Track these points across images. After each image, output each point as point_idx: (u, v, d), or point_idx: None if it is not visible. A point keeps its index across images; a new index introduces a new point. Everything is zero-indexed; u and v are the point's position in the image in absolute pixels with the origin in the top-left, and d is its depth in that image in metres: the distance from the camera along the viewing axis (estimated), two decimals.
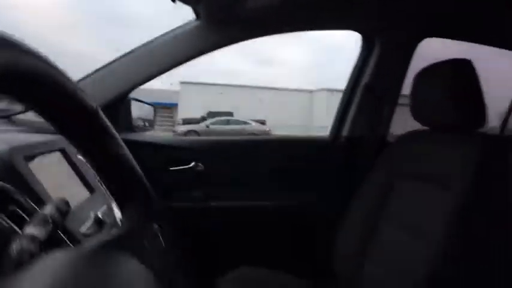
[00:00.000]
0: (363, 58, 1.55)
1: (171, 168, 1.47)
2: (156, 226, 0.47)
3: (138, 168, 0.43)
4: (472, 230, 0.97)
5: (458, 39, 1.47)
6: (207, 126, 16.11)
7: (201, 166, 1.50)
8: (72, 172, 0.98)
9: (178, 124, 17.19)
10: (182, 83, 23.20)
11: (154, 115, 1.75)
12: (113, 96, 1.34)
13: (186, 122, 17.33)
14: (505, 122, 1.92)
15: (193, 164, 1.50)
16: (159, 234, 0.47)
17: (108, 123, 0.39)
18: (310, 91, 22.67)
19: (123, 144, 0.41)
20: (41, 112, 0.34)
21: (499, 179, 0.97)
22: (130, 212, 0.42)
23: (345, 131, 1.59)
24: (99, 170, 0.40)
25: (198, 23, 1.36)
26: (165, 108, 19.61)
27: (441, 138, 1.15)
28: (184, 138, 1.81)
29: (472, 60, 1.11)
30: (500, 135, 1.93)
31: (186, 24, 1.37)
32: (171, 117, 20.26)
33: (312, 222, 1.57)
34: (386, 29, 1.48)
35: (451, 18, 1.42)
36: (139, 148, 1.02)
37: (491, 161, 0.99)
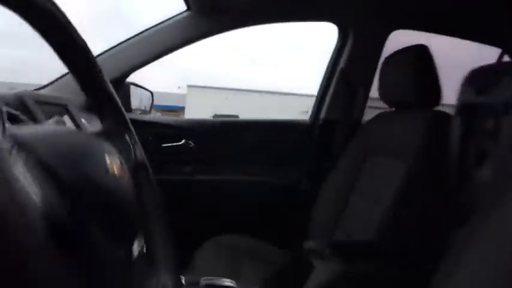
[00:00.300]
0: (339, 48, 1.70)
1: (163, 145, 1.64)
2: (128, 139, 0.62)
3: (110, 87, 0.58)
4: (418, 197, 1.11)
5: (424, 31, 1.62)
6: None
7: (191, 143, 1.67)
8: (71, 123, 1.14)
9: None
10: (190, 86, 23.51)
11: (152, 102, 1.91)
12: (112, 78, 1.51)
13: None
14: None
15: (183, 141, 1.66)
16: (132, 148, 0.62)
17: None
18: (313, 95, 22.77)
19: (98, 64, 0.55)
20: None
21: (441, 149, 1.11)
22: (107, 118, 0.57)
23: (323, 114, 1.75)
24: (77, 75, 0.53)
25: (189, 13, 1.53)
26: (172, 111, 19.86)
27: (403, 117, 1.30)
28: (175, 118, 1.97)
29: (435, 48, 1.27)
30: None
31: (178, 14, 1.53)
32: None
33: (293, 197, 1.71)
34: (359, 21, 1.64)
35: (417, 11, 1.58)
36: (134, 126, 1.17)
37: (434, 133, 1.14)
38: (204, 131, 1.70)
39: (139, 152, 0.65)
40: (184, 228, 1.50)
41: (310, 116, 1.80)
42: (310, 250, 0.96)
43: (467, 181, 0.95)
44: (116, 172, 0.50)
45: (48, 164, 0.38)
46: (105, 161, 0.49)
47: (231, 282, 0.93)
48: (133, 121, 0.68)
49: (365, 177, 1.38)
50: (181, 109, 21.59)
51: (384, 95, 1.36)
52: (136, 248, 0.51)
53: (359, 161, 1.40)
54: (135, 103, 1.75)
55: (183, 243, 1.44)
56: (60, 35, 0.47)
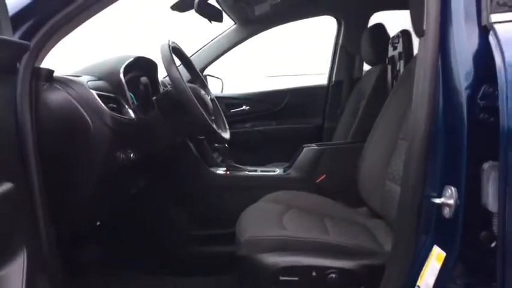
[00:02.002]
0: (337, 32, 2.51)
1: (231, 110, 2.59)
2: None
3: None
4: None
5: (398, 9, 2.35)
6: None
7: (248, 108, 2.60)
8: None
9: None
10: None
11: (222, 85, 2.89)
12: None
13: None
14: None
15: (243, 107, 2.60)
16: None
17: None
18: None
19: None
20: None
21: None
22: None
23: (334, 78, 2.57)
24: None
25: (235, 26, 2.44)
26: None
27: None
28: (238, 93, 2.89)
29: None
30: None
31: (230, 27, 2.46)
32: None
33: (318, 135, 2.55)
34: (348, 9, 2.42)
35: None
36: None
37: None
38: (255, 99, 2.61)
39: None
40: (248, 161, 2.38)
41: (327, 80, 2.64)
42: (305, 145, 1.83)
43: None
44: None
45: None
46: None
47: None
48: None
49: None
50: None
51: (364, 57, 2.10)
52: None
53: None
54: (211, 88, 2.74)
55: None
56: None
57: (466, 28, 0.81)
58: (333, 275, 1.04)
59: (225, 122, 1.58)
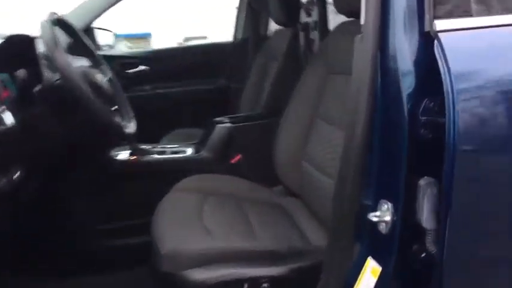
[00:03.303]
0: None
1: (126, 71, 2.29)
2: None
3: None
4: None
5: None
6: None
7: (147, 68, 2.32)
8: None
9: None
10: None
11: (114, 40, 2.53)
12: (81, 26, 2.10)
13: None
14: None
15: (141, 67, 2.31)
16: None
17: None
18: None
19: None
20: None
21: None
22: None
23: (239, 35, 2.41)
24: None
25: None
26: (139, 39, 19.59)
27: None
28: (133, 51, 2.58)
29: None
30: None
31: None
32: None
33: (224, 95, 2.42)
34: None
35: None
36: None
37: None
38: (154, 58, 2.34)
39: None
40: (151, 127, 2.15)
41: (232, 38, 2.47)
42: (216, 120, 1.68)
43: None
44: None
45: None
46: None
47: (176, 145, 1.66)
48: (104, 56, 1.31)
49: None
50: (148, 36, 21.21)
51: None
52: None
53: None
54: (102, 41, 2.38)
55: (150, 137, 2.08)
56: None
57: (408, 33, 0.74)
58: (266, 284, 0.99)
59: (130, 109, 1.35)
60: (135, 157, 1.46)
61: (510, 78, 0.73)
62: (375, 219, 0.79)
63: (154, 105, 2.32)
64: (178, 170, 1.50)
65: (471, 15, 0.74)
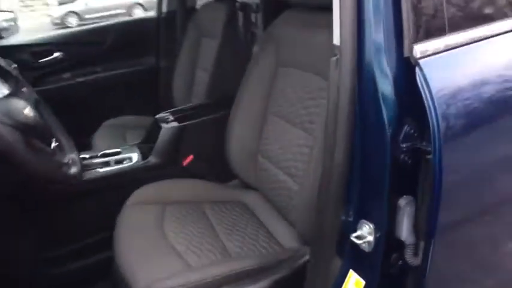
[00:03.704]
0: None
1: (40, 61, 2.01)
2: None
3: None
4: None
5: None
6: (86, 4, 14.83)
7: (63, 54, 2.05)
8: None
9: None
10: None
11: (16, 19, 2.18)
12: None
13: (62, 2, 15.69)
14: None
15: (56, 54, 2.04)
16: None
17: None
18: None
19: None
20: None
21: None
22: None
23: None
24: None
25: None
26: None
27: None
28: (44, 36, 2.24)
29: None
30: None
31: None
32: None
33: (152, 76, 2.24)
34: None
35: None
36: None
37: None
38: (70, 42, 2.07)
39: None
40: (78, 120, 1.95)
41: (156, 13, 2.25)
42: (160, 118, 1.56)
43: None
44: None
45: None
46: None
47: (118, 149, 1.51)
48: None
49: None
50: None
51: None
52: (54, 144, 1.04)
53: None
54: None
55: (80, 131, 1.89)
56: None
57: (387, 57, 0.71)
58: None
59: (65, 133, 1.17)
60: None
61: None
62: (357, 241, 0.80)
63: (76, 96, 2.09)
64: (127, 181, 1.39)
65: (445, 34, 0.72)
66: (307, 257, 1.07)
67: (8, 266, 1.27)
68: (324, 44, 1.05)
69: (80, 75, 2.11)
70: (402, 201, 0.78)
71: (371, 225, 0.80)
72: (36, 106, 1.05)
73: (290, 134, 1.22)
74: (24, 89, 1.07)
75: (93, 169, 1.34)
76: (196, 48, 2.02)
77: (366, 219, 0.80)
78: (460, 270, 0.87)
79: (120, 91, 2.16)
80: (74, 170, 1.02)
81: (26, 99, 1.01)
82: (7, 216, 1.21)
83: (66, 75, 2.09)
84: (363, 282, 0.86)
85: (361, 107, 0.74)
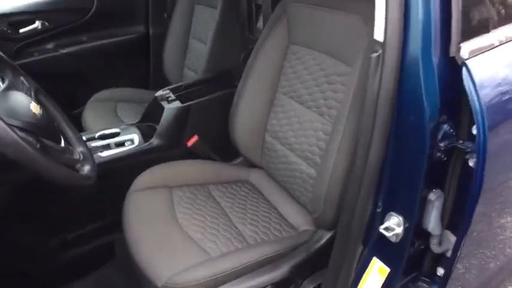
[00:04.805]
0: None
1: (21, 31, 1.86)
2: None
3: None
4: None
5: None
6: None
7: (46, 23, 1.90)
8: None
9: None
10: None
11: None
12: None
13: None
14: None
15: (38, 23, 1.89)
16: None
17: None
18: None
19: None
20: None
21: None
22: None
23: None
24: None
25: None
26: None
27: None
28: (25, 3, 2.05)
29: None
30: None
31: None
32: None
33: (145, 47, 2.13)
34: None
35: None
36: None
37: None
38: (52, 9, 1.92)
39: None
40: (64, 94, 1.82)
41: None
42: (160, 96, 1.49)
43: None
44: None
45: None
46: None
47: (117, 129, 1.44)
48: None
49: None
50: None
51: None
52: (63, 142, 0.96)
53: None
54: None
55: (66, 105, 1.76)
56: None
57: (432, 56, 0.68)
58: None
59: (73, 126, 1.08)
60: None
61: None
62: (386, 232, 0.81)
63: (61, 69, 1.97)
64: (130, 164, 1.34)
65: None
66: (323, 241, 1.09)
67: (14, 255, 1.24)
68: (341, 27, 1.07)
69: (64, 45, 1.98)
70: (432, 196, 0.79)
71: (400, 218, 0.80)
72: (37, 97, 0.96)
73: (304, 116, 1.19)
74: (21, 78, 0.96)
75: (94, 153, 1.28)
76: (190, 15, 1.92)
77: (394, 211, 0.81)
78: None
79: (108, 62, 2.05)
80: (87, 167, 0.95)
81: (27, 92, 0.90)
82: (10, 204, 1.16)
83: (49, 45, 1.96)
84: (388, 270, 0.88)
85: (401, 104, 0.72)
